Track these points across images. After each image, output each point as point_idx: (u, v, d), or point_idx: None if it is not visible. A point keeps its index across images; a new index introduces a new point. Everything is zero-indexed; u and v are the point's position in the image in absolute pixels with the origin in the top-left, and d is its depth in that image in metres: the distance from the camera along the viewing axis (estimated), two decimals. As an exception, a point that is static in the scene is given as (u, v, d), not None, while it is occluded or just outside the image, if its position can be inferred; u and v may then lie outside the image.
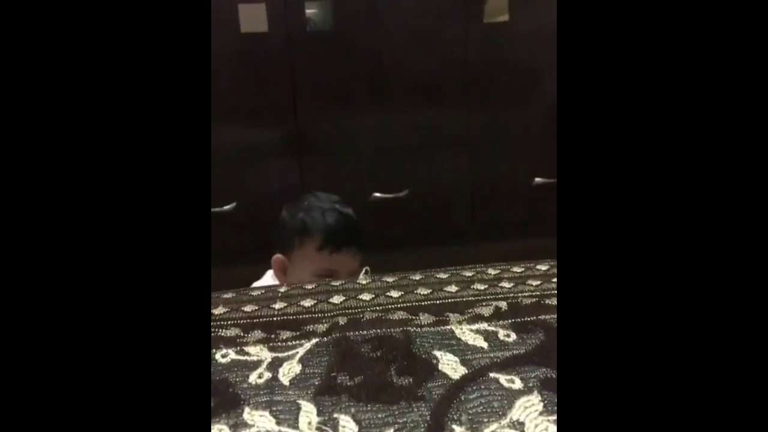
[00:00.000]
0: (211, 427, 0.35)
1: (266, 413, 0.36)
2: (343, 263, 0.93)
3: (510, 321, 0.47)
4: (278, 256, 0.95)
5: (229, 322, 0.50)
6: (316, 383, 0.40)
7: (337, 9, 1.51)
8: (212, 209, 1.49)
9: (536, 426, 0.34)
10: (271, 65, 1.50)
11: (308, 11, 1.50)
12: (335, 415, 0.36)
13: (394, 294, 0.54)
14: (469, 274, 0.57)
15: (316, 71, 1.52)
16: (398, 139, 1.58)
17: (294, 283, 0.79)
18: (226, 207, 1.50)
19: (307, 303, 0.53)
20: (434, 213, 1.60)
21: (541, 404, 0.36)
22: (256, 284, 0.94)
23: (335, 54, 1.52)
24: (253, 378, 0.41)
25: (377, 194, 1.59)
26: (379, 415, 0.36)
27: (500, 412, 0.35)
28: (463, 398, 0.37)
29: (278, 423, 0.35)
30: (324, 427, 0.35)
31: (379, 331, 0.46)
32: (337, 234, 0.94)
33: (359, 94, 1.54)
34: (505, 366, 0.40)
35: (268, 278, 0.97)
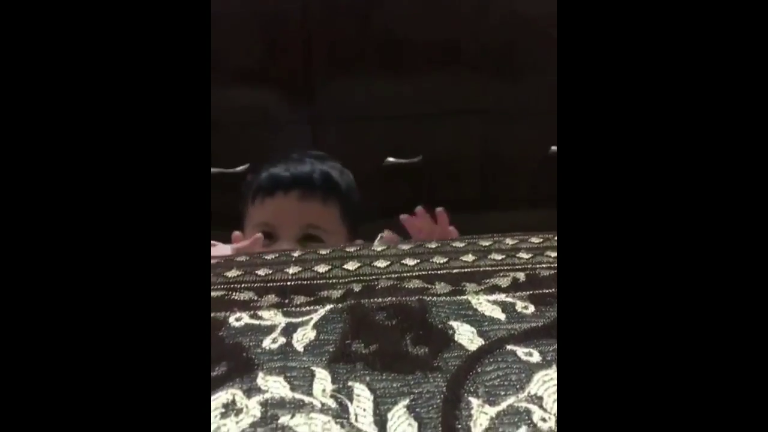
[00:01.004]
0: (224, 391, 0.35)
1: (280, 379, 0.36)
2: (280, 213, 0.72)
3: (528, 293, 0.46)
4: (235, 233, 0.77)
5: (242, 286, 0.49)
6: (331, 350, 0.39)
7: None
8: (224, 170, 1.48)
9: (554, 401, 0.33)
10: (284, 28, 1.47)
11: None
12: (350, 383, 0.35)
13: (410, 262, 0.53)
14: (486, 243, 0.56)
15: (329, 35, 1.49)
16: (412, 106, 1.55)
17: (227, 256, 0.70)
18: (239, 168, 1.49)
19: (322, 268, 0.52)
20: (447, 180, 1.59)
21: (560, 379, 0.35)
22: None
23: (349, 18, 1.49)
24: (266, 343, 0.40)
25: (391, 159, 1.57)
26: (394, 385, 0.35)
27: (518, 386, 0.35)
28: (479, 370, 0.36)
29: (292, 389, 0.35)
30: (338, 395, 0.34)
31: (394, 299, 0.46)
32: (274, 177, 0.74)
33: (372, 60, 1.51)
34: (523, 338, 0.40)
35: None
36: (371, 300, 0.46)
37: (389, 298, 0.46)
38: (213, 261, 0.56)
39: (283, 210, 0.74)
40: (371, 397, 0.34)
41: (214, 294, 0.48)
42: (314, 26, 1.47)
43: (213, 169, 1.48)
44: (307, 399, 0.34)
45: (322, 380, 0.36)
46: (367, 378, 0.36)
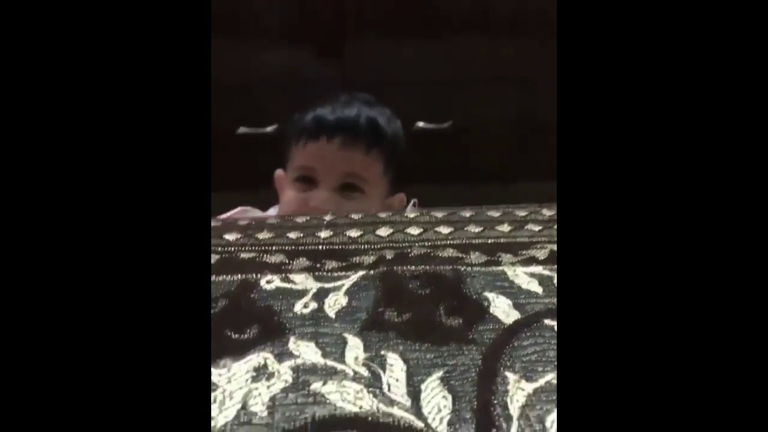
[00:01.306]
0: (255, 354, 0.35)
1: (312, 344, 0.35)
2: (321, 159, 0.70)
3: (566, 266, 0.45)
4: (278, 171, 0.79)
5: (274, 248, 0.49)
6: (363, 317, 0.38)
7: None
8: (253, 130, 1.48)
9: (594, 379, 0.32)
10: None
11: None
12: (382, 352, 0.35)
13: (444, 230, 0.52)
14: (522, 213, 0.55)
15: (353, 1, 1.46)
16: (445, 71, 1.52)
17: (283, 215, 0.69)
18: (268, 128, 1.48)
19: (354, 233, 0.51)
20: (480, 147, 1.56)
21: (600, 357, 0.34)
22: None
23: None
24: (298, 307, 0.40)
25: (421, 123, 1.54)
26: (428, 356, 0.34)
27: (556, 362, 0.34)
28: (516, 344, 0.35)
29: (324, 355, 0.34)
30: (371, 364, 0.34)
31: (427, 267, 0.45)
32: (319, 120, 0.72)
33: (405, 22, 1.48)
34: (561, 313, 0.39)
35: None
36: (404, 267, 0.45)
37: (422, 267, 0.45)
38: (245, 222, 0.55)
39: (324, 156, 0.71)
40: (404, 368, 0.33)
41: (245, 255, 0.47)
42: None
43: (242, 129, 1.48)
44: (339, 366, 0.33)
45: (355, 348, 0.35)
46: (400, 347, 0.35)
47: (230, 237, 0.51)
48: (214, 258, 0.47)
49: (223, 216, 0.70)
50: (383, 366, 0.34)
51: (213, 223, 0.56)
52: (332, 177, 0.72)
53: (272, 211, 0.83)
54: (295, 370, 0.33)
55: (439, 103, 1.54)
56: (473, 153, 1.56)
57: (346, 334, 0.36)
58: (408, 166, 0.88)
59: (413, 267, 0.45)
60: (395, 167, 0.77)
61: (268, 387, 0.32)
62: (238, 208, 0.75)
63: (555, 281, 0.43)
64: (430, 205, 0.89)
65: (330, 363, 0.34)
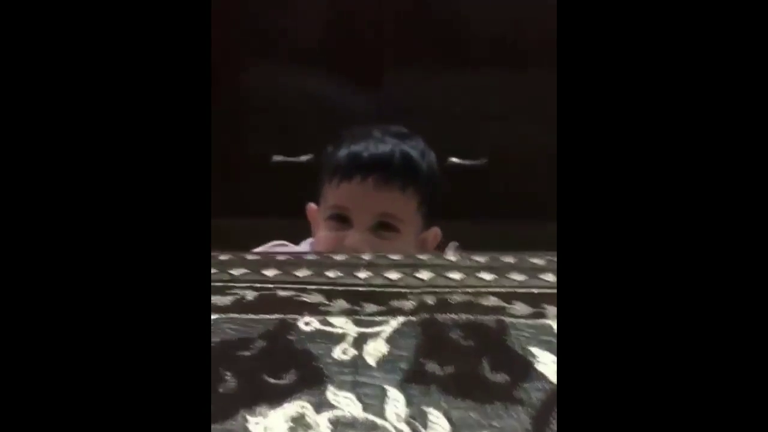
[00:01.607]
0: (293, 402, 0.34)
1: (351, 395, 0.34)
2: (356, 199, 0.69)
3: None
4: (311, 205, 0.79)
5: (312, 287, 0.48)
6: (404, 368, 0.37)
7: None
8: (288, 158, 1.48)
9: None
10: (357, 17, 1.46)
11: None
12: (424, 408, 0.33)
13: (486, 276, 0.50)
14: (567, 263, 0.53)
15: (402, 25, 1.47)
16: (476, 103, 1.51)
17: (318, 251, 0.68)
18: (303, 157, 1.49)
19: (393, 275, 0.50)
20: (514, 183, 1.53)
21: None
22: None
23: (411, 12, 1.46)
24: (337, 353, 0.39)
25: (454, 159, 1.53)
26: (472, 415, 0.33)
27: (608, 430, 0.32)
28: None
29: (364, 409, 0.33)
30: (413, 421, 0.32)
31: (470, 316, 0.43)
32: (353, 158, 0.70)
33: (436, 55, 1.48)
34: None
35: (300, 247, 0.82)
36: (446, 315, 0.43)
37: (465, 316, 0.43)
38: (283, 257, 0.54)
39: (358, 196, 0.71)
40: (448, 428, 0.32)
41: (283, 293, 0.47)
42: (385, 16, 1.45)
43: (277, 157, 1.49)
44: (379, 421, 0.32)
45: (395, 401, 0.34)
46: (443, 404, 0.34)
47: (269, 273, 0.51)
48: (252, 294, 0.47)
49: (259, 249, 0.69)
50: (425, 423, 0.32)
51: (250, 257, 0.55)
52: (367, 217, 0.72)
53: (305, 246, 0.83)
54: (334, 423, 0.32)
55: (474, 137, 1.53)
56: (509, 188, 1.54)
57: (386, 386, 0.35)
58: (443, 202, 0.86)
59: (455, 315, 0.43)
60: (430, 201, 0.76)
61: (306, 440, 0.31)
62: (273, 242, 0.75)
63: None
64: (465, 242, 0.88)
65: (370, 417, 0.32)
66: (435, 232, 0.80)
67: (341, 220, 0.73)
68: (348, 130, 0.77)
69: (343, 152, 0.73)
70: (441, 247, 0.79)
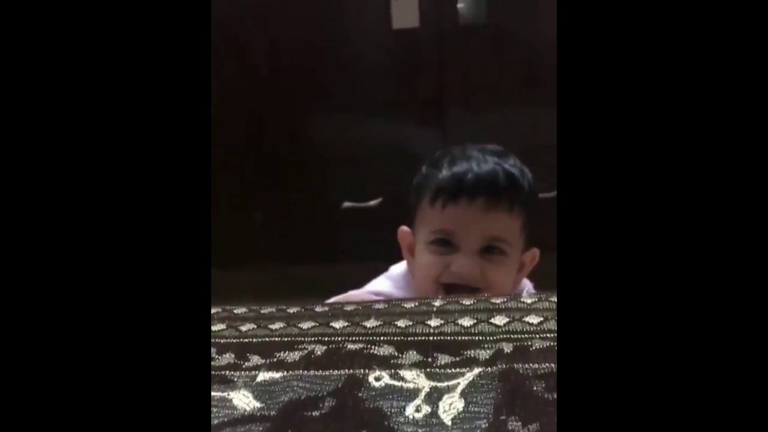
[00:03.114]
0: (365, 468, 0.31)
1: (427, 460, 0.32)
2: (463, 223, 0.67)
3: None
4: (403, 228, 0.75)
5: (382, 338, 0.46)
6: (483, 426, 0.34)
7: (491, 0, 1.44)
8: (357, 204, 1.49)
9: None
10: (421, 60, 1.47)
11: (459, 5, 1.45)
12: (509, 474, 0.30)
13: (567, 319, 0.47)
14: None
15: (466, 65, 1.46)
16: (550, 135, 1.47)
17: (419, 285, 0.68)
18: (372, 202, 1.49)
19: (466, 322, 0.48)
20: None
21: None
22: (370, 286, 0.79)
23: (486, 47, 1.45)
24: (410, 410, 0.36)
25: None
26: (563, 480, 0.30)
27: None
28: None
29: (441, 475, 0.31)
30: (497, 489, 0.29)
31: (552, 365, 0.40)
32: (458, 180, 0.68)
33: (510, 89, 1.46)
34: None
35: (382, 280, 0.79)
36: (526, 365, 0.40)
37: (546, 364, 0.40)
38: (351, 308, 0.53)
39: (466, 219, 0.68)
40: (536, 495, 0.29)
41: (352, 346, 0.45)
42: (448, 56, 1.46)
43: (347, 203, 1.50)
44: (459, 490, 0.29)
45: (476, 466, 0.31)
46: (529, 468, 0.31)
47: (337, 325, 0.49)
48: (321, 349, 0.45)
49: (333, 300, 0.68)
50: (510, 491, 0.29)
51: (319, 309, 0.54)
52: (475, 241, 0.69)
53: (395, 270, 0.80)
54: (410, 492, 0.29)
55: (546, 169, 1.49)
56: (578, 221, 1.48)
57: (465, 448, 0.32)
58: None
59: (536, 365, 0.40)
60: (532, 221, 0.73)
61: None
62: (350, 293, 0.73)
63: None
64: (543, 279, 0.83)
65: (448, 484, 0.30)
66: (533, 254, 0.75)
67: (445, 244, 0.70)
68: (444, 150, 0.74)
69: (445, 173, 0.70)
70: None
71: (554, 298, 0.51)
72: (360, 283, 0.85)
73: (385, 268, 0.88)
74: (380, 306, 0.53)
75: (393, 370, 0.41)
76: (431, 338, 0.45)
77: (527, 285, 0.78)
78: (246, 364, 0.44)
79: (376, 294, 0.76)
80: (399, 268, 0.80)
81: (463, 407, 0.36)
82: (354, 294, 0.72)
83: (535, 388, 0.38)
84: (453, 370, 0.40)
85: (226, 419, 0.37)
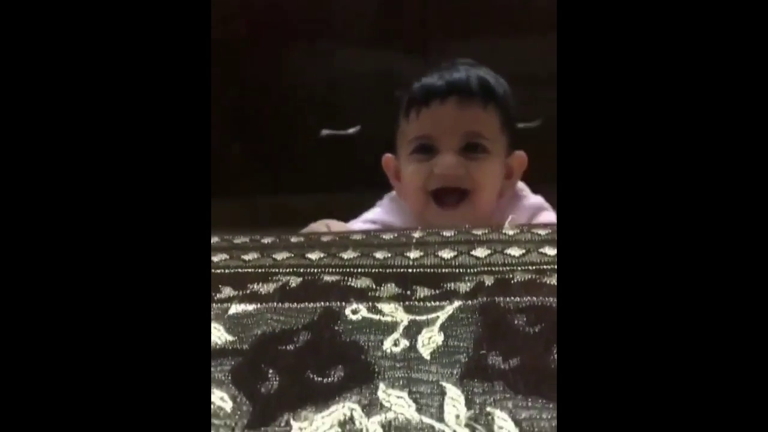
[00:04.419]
0: (340, 404, 0.30)
1: (404, 395, 0.31)
2: (438, 123, 0.67)
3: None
4: (387, 155, 0.76)
5: (359, 270, 0.44)
6: (462, 360, 0.33)
7: None
8: (336, 132, 1.45)
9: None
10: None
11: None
12: (489, 409, 0.29)
13: (550, 251, 0.45)
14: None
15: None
16: (532, 66, 1.43)
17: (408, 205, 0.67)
18: (351, 130, 1.45)
19: (446, 254, 0.46)
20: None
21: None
22: (363, 217, 0.79)
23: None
24: (387, 344, 0.35)
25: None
26: (544, 415, 0.29)
27: None
28: (652, 405, 0.29)
29: (419, 410, 0.30)
30: (476, 426, 0.28)
31: (534, 299, 0.39)
32: (428, 86, 0.68)
33: (491, 18, 1.41)
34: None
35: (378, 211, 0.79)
36: (507, 298, 0.39)
37: (528, 298, 0.39)
38: (327, 238, 0.51)
39: (441, 119, 0.68)
40: (516, 431, 0.28)
41: (329, 278, 0.43)
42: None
43: (325, 131, 1.46)
44: (437, 426, 0.28)
45: (455, 401, 0.30)
46: (509, 403, 0.30)
47: (313, 256, 0.47)
48: (296, 281, 0.43)
49: (305, 230, 0.66)
50: (491, 427, 0.28)
51: (294, 239, 0.52)
52: (453, 139, 0.68)
53: (382, 203, 0.79)
54: (386, 427, 0.29)
55: (528, 101, 1.47)
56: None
57: (443, 383, 0.31)
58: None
59: (517, 298, 0.39)
60: (510, 124, 0.73)
61: (356, 448, 0.28)
62: (319, 222, 0.71)
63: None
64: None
65: (426, 420, 0.29)
66: (520, 157, 0.75)
67: (426, 150, 0.70)
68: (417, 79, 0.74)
69: (415, 86, 0.70)
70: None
71: (537, 230, 0.50)
72: (340, 215, 0.83)
73: (363, 198, 0.86)
74: (358, 237, 0.51)
75: (370, 303, 0.40)
76: (410, 270, 0.44)
77: (534, 199, 0.76)
78: (218, 295, 0.42)
79: (371, 223, 0.76)
80: (390, 197, 0.80)
81: (443, 341, 0.35)
82: (332, 222, 0.70)
83: (516, 322, 0.37)
84: (432, 303, 0.39)
85: (196, 353, 0.36)
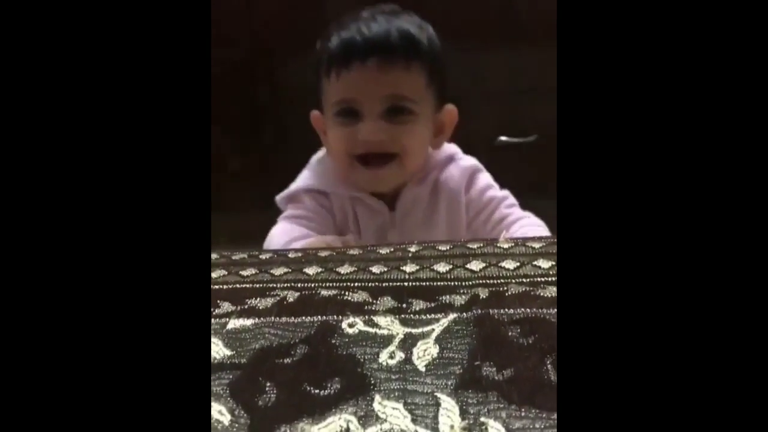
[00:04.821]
0: (337, 416, 0.31)
1: (400, 406, 0.31)
2: (359, 87, 0.65)
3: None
4: (314, 112, 0.73)
5: (356, 284, 0.45)
6: (457, 372, 0.34)
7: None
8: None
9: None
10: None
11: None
12: (483, 419, 0.30)
13: (543, 264, 0.46)
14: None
15: (443, 5, 1.41)
16: (530, 79, 1.45)
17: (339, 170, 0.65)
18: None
19: (442, 268, 0.47)
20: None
21: None
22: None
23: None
24: (383, 357, 0.36)
25: (503, 138, 1.49)
26: (537, 425, 0.29)
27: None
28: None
29: (414, 421, 0.30)
30: (470, 435, 0.29)
31: (528, 310, 0.39)
32: (347, 45, 0.65)
33: (489, 31, 1.43)
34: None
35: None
36: (501, 310, 0.40)
37: (522, 309, 0.40)
38: (325, 254, 0.52)
39: (362, 83, 0.65)
40: (510, 441, 0.28)
41: (326, 293, 0.44)
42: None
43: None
44: (432, 436, 0.29)
45: (449, 412, 0.30)
46: (503, 413, 0.30)
47: (310, 271, 0.48)
48: (293, 295, 0.44)
49: (304, 245, 0.66)
50: (484, 437, 0.29)
51: (292, 255, 0.53)
52: (376, 103, 0.66)
53: (316, 159, 0.76)
54: (382, 438, 0.29)
55: (524, 114, 1.48)
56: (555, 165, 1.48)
57: (438, 394, 0.32)
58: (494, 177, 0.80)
59: (512, 310, 0.40)
60: (438, 77, 0.70)
61: (352, 459, 0.28)
62: (319, 238, 0.69)
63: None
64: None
65: (421, 431, 0.29)
66: (450, 111, 0.73)
67: (349, 114, 0.67)
68: (336, 21, 0.70)
69: (334, 41, 0.66)
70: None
71: (531, 243, 0.51)
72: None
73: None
74: (355, 252, 0.52)
75: (367, 317, 0.40)
76: (406, 284, 0.45)
77: (468, 160, 0.75)
78: (216, 311, 0.43)
79: (306, 190, 0.73)
80: (317, 158, 0.77)
81: (438, 353, 0.36)
82: (331, 239, 0.70)
83: (510, 334, 0.37)
84: (428, 316, 0.40)
85: (195, 367, 0.36)
